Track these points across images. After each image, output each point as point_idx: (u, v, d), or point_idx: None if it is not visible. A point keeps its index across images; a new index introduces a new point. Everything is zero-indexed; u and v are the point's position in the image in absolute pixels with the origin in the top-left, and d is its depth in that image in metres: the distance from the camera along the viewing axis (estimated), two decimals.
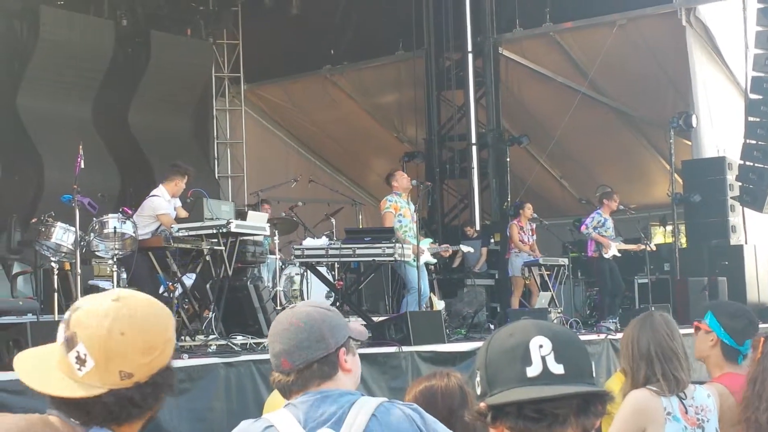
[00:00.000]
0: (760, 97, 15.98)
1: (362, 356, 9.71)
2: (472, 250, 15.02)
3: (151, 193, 11.03)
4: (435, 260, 12.70)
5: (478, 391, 2.08)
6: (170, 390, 2.21)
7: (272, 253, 13.59)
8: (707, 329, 4.41)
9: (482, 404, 2.05)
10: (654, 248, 15.81)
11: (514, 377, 2.02)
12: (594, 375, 2.09)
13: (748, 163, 16.07)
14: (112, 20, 18.51)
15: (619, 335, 11.69)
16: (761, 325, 13.21)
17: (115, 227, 9.57)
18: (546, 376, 2.01)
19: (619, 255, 14.96)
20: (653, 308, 13.00)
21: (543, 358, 2.02)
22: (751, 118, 16.10)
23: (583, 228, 15.14)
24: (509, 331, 2.10)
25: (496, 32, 19.52)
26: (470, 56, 19.49)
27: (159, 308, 2.26)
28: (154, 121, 19.13)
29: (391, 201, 12.06)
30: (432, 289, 14.12)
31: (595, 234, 14.85)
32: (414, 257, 11.39)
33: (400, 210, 12.01)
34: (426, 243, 12.20)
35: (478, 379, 2.08)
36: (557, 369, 2.01)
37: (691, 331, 4.53)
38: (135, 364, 2.14)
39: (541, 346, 2.03)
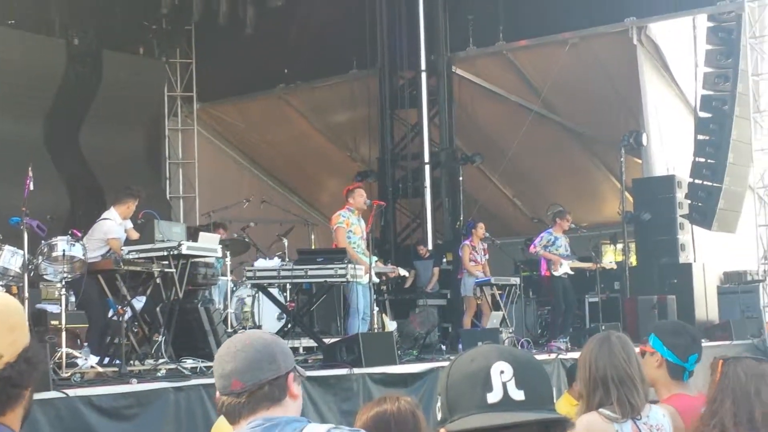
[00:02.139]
0: (710, 115, 16.24)
1: (313, 378, 9.63)
2: (407, 274, 15.05)
3: (102, 216, 11.00)
4: (377, 279, 12.70)
5: (439, 416, 2.08)
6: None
7: (224, 274, 13.57)
8: (651, 351, 4.49)
9: (442, 430, 2.05)
10: (614, 267, 15.95)
11: (474, 403, 2.02)
12: (554, 401, 2.12)
13: (697, 181, 16.32)
14: (64, 39, 18.46)
15: (570, 355, 11.84)
16: (710, 343, 13.35)
17: (64, 250, 9.53)
18: (507, 403, 2.01)
19: (571, 272, 15.08)
20: (603, 327, 13.15)
21: (504, 384, 2.02)
22: (700, 137, 16.36)
23: (531, 248, 15.29)
24: (470, 356, 2.10)
25: (450, 51, 19.65)
26: (424, 75, 19.61)
27: (8, 296, 2.39)
28: (105, 142, 19.04)
29: (344, 216, 12.11)
30: (384, 310, 14.17)
31: (543, 252, 14.98)
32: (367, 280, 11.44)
33: (351, 227, 12.07)
34: (373, 260, 12.22)
35: (438, 404, 2.08)
36: (518, 395, 2.02)
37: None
38: (2, 341, 2.22)
39: (502, 372, 2.03)
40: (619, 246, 17.34)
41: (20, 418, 2.30)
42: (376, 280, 12.34)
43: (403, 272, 13.98)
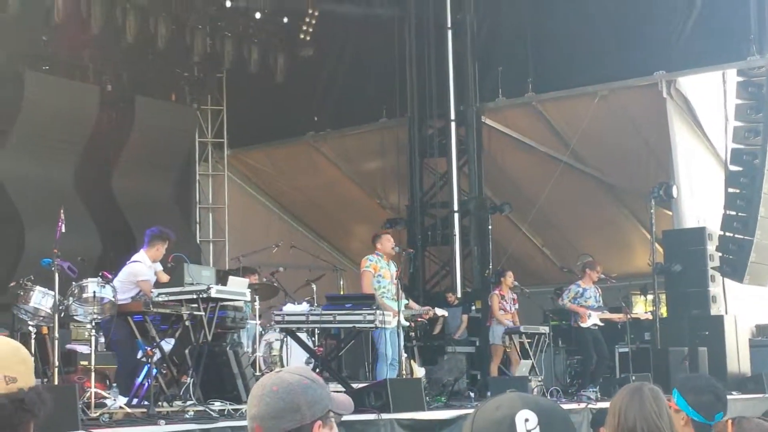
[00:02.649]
0: (740, 168, 16.14)
1: (341, 424, 9.61)
2: (446, 313, 14.96)
3: (132, 259, 11.04)
4: (405, 323, 12.64)
5: None
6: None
7: (252, 318, 13.54)
8: (676, 408, 4.42)
9: None
10: (649, 317, 15.82)
11: None
12: None
13: (728, 234, 16.18)
14: (97, 85, 18.63)
15: (600, 405, 11.71)
16: (742, 396, 13.21)
17: (94, 291, 9.56)
18: None
19: (601, 324, 14.98)
20: (634, 377, 13.03)
21: None
22: (730, 189, 16.25)
23: (559, 300, 15.24)
24: (495, 404, 2.10)
25: (479, 101, 19.66)
26: (453, 124, 19.61)
27: (10, 339, 2.55)
28: (136, 186, 19.16)
29: (371, 261, 12.10)
30: (412, 356, 14.08)
31: (570, 305, 14.95)
32: (395, 325, 11.41)
33: (380, 271, 12.04)
34: (402, 305, 12.16)
35: None
36: None
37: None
38: (15, 370, 2.38)
39: (527, 420, 2.03)
40: (650, 297, 17.18)
41: None
42: (405, 323, 12.29)
43: (440, 312, 13.88)
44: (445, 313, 14.68)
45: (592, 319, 14.89)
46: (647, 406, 4.17)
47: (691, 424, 4.40)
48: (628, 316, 15.23)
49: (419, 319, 13.32)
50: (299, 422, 2.83)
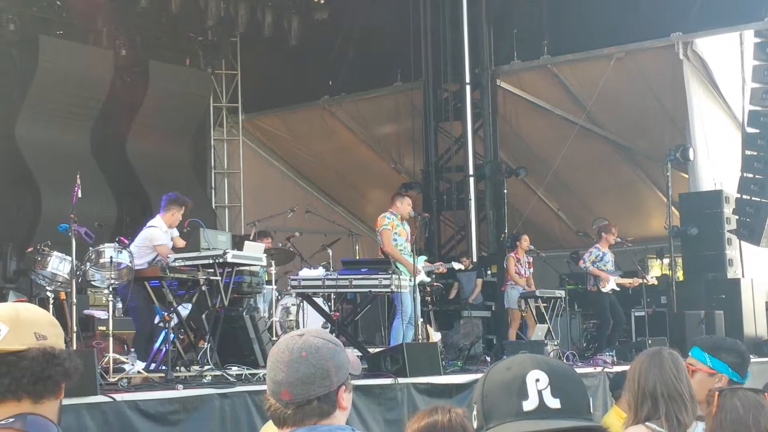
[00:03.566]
0: (757, 130, 16.03)
1: (358, 387, 9.61)
2: (462, 266, 14.92)
3: (148, 224, 11.05)
4: (429, 279, 12.67)
5: (475, 424, 2.08)
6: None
7: (268, 283, 13.58)
8: (710, 371, 4.38)
9: None
10: (655, 282, 15.81)
11: (510, 411, 2.03)
12: (591, 410, 2.10)
13: (745, 196, 16.11)
14: (111, 50, 18.61)
15: (616, 368, 11.72)
16: (759, 359, 13.19)
17: (111, 257, 9.57)
18: (542, 410, 2.01)
19: (617, 289, 14.98)
20: (650, 341, 13.02)
21: (539, 392, 2.02)
22: (748, 152, 16.16)
23: (581, 263, 15.19)
24: (506, 364, 2.10)
25: (494, 64, 19.58)
26: (468, 88, 19.54)
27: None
28: (151, 151, 19.19)
29: (389, 218, 12.08)
30: (428, 321, 14.10)
31: (592, 268, 14.90)
32: (410, 288, 11.42)
33: (396, 228, 12.04)
34: (420, 261, 12.18)
35: (474, 412, 2.09)
36: (554, 403, 2.02)
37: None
38: (46, 330, 2.46)
39: (537, 380, 2.04)
40: (666, 261, 17.16)
41: (57, 412, 2.38)
42: (426, 279, 12.33)
43: (457, 266, 13.84)
44: (462, 266, 14.62)
45: (611, 284, 14.88)
46: (667, 370, 4.18)
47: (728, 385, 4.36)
48: (644, 280, 15.19)
49: (435, 284, 13.32)
50: (327, 388, 2.85)
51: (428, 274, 12.63)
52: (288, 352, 2.87)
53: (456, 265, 13.95)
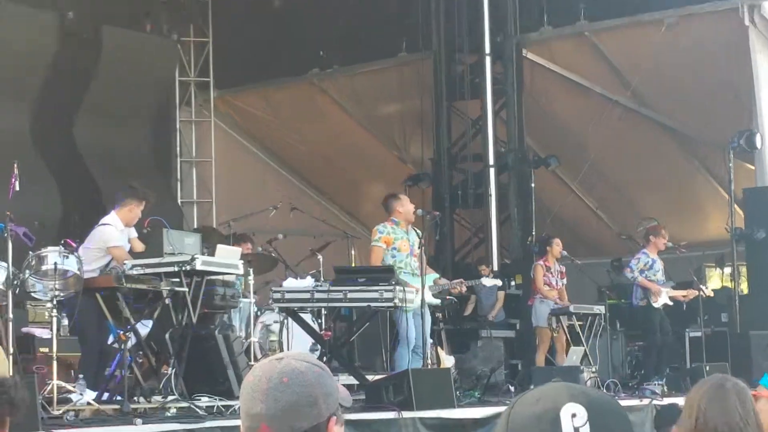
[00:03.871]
0: None
1: (354, 422, 9.62)
2: (498, 282, 14.80)
3: (101, 222, 11.03)
4: (438, 301, 12.55)
5: None
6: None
7: (246, 295, 13.57)
8: None
9: None
10: (711, 294, 15.81)
11: None
12: None
13: None
14: (56, 12, 18.55)
15: (667, 400, 11.72)
16: None
17: (55, 263, 9.56)
18: None
19: (670, 303, 14.98)
20: (708, 367, 13.02)
21: (576, 430, 2.01)
22: None
23: (627, 271, 15.20)
24: (536, 396, 2.10)
25: (520, 31, 19.59)
26: (488, 59, 19.56)
27: None
28: (104, 135, 19.16)
29: (382, 233, 11.97)
30: (439, 342, 14.09)
31: (641, 279, 14.91)
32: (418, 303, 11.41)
33: (395, 243, 11.95)
34: (429, 279, 12.13)
35: None
36: None
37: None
38: None
39: (574, 416, 2.02)
40: (727, 270, 17.18)
41: None
42: (433, 301, 12.26)
43: (490, 282, 13.69)
44: (498, 282, 14.51)
45: (663, 297, 14.89)
46: (731, 407, 4.16)
47: None
48: (699, 293, 15.19)
49: (447, 297, 13.25)
50: (315, 419, 2.79)
51: (439, 295, 12.52)
52: (265, 379, 2.81)
53: (488, 282, 13.84)
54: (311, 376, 2.82)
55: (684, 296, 15.29)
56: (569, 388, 2.10)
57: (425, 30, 19.96)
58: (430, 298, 12.04)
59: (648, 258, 15.07)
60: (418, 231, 12.19)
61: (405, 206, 12.18)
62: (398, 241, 11.99)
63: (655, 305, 14.83)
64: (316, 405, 2.78)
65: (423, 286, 11.49)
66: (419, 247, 11.95)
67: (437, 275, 12.76)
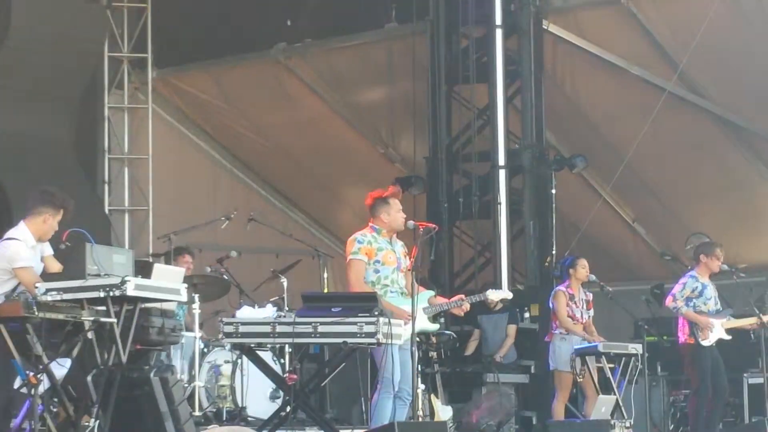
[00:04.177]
0: None
1: None
2: (509, 294, 14.61)
3: (6, 235, 11.03)
4: (436, 326, 12.55)
5: None
6: None
7: (189, 328, 13.60)
8: None
9: None
10: (765, 324, 15.86)
11: None
12: None
13: None
14: None
15: None
16: None
17: None
18: None
19: (727, 338, 15.00)
20: None
21: None
22: None
23: (669, 300, 15.22)
24: None
25: None
26: (499, 33, 19.55)
27: None
28: (12, 125, 19.14)
29: (361, 242, 11.90)
30: (433, 389, 14.11)
31: (686, 311, 14.93)
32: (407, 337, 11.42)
33: (377, 255, 11.89)
34: (423, 299, 12.11)
35: None
36: None
37: None
38: None
39: None
40: None
41: None
42: (431, 328, 12.25)
43: (498, 295, 13.52)
44: (509, 294, 14.38)
45: (717, 332, 14.92)
46: None
47: None
48: (761, 323, 15.23)
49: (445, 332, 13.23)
50: None
51: (435, 318, 12.54)
52: None
53: (495, 295, 13.60)
54: None
55: (752, 325, 15.29)
56: None
57: None
58: (425, 324, 12.03)
59: (697, 282, 15.10)
60: (401, 242, 12.18)
61: (392, 214, 12.09)
62: (382, 252, 11.91)
63: (705, 344, 14.84)
64: None
65: (414, 311, 11.45)
66: (411, 270, 11.93)
67: (432, 292, 12.64)
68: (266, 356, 12.69)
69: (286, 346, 12.78)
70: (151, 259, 13.52)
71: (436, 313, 12.43)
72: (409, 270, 11.97)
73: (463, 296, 12.86)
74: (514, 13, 19.59)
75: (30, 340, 9.92)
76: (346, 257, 12.05)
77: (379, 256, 11.90)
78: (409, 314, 11.40)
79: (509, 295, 14.17)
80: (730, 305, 15.53)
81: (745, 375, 16.19)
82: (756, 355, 15.59)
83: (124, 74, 21.70)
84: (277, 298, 14.67)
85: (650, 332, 16.59)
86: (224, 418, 14.13)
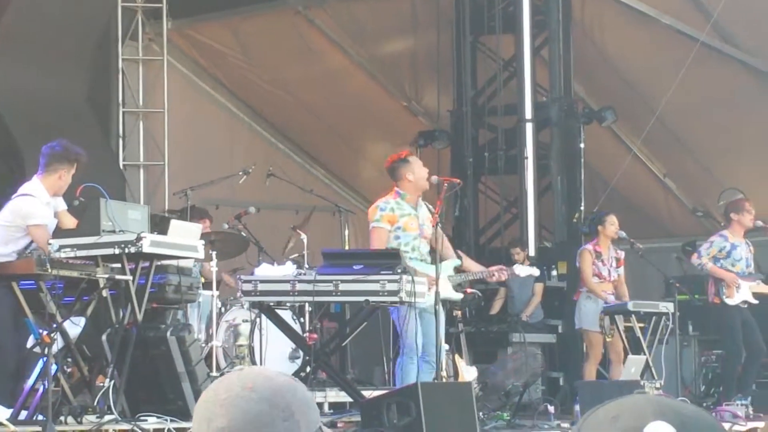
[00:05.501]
0: None
1: None
2: (536, 271, 14.61)
3: (20, 191, 11.06)
4: (459, 296, 12.55)
5: None
6: None
7: (207, 287, 13.63)
8: None
9: None
10: None
11: None
12: None
13: None
14: None
15: (752, 424, 11.77)
16: None
17: None
18: None
19: (754, 302, 14.98)
20: None
21: None
22: None
23: (694, 257, 15.19)
24: (612, 411, 2.15)
25: None
26: None
27: None
28: (23, 80, 19.13)
29: (383, 210, 11.94)
30: (458, 349, 14.13)
31: (712, 266, 14.90)
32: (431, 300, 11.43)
33: (399, 221, 11.92)
34: (448, 267, 12.12)
35: None
36: None
37: None
38: None
39: None
40: None
41: None
42: (455, 296, 12.26)
43: (525, 271, 13.52)
44: (535, 272, 14.39)
45: (743, 293, 14.88)
46: None
47: None
48: None
49: (467, 290, 13.22)
50: None
51: (459, 287, 12.52)
52: (225, 389, 2.83)
53: (523, 270, 13.59)
54: (283, 383, 2.85)
55: None
56: (656, 402, 2.12)
57: None
58: (449, 292, 12.05)
59: (725, 243, 15.06)
60: (430, 206, 12.17)
61: (416, 172, 12.11)
62: (404, 218, 11.94)
63: (730, 302, 14.81)
64: (291, 417, 2.79)
65: (438, 277, 11.47)
66: (435, 225, 11.92)
67: (459, 261, 12.70)
68: (286, 315, 12.70)
69: (306, 304, 12.76)
70: (167, 215, 13.51)
71: (461, 282, 12.45)
72: (433, 226, 11.98)
73: (503, 266, 12.93)
74: None
75: (43, 299, 9.95)
76: (369, 223, 12.07)
77: (401, 222, 11.93)
78: (432, 278, 11.40)
79: (536, 273, 14.23)
80: (761, 269, 15.47)
81: None
82: None
83: (138, 25, 21.66)
84: (296, 255, 14.68)
85: (682, 290, 16.58)
86: None
